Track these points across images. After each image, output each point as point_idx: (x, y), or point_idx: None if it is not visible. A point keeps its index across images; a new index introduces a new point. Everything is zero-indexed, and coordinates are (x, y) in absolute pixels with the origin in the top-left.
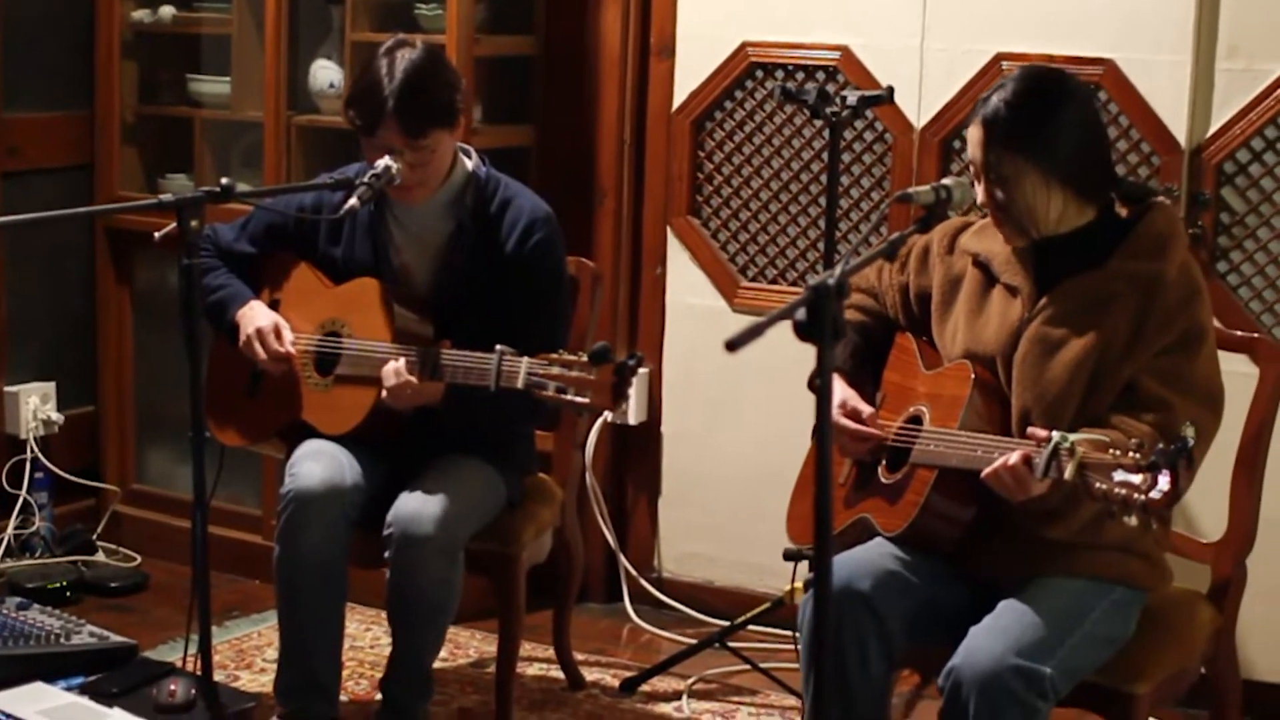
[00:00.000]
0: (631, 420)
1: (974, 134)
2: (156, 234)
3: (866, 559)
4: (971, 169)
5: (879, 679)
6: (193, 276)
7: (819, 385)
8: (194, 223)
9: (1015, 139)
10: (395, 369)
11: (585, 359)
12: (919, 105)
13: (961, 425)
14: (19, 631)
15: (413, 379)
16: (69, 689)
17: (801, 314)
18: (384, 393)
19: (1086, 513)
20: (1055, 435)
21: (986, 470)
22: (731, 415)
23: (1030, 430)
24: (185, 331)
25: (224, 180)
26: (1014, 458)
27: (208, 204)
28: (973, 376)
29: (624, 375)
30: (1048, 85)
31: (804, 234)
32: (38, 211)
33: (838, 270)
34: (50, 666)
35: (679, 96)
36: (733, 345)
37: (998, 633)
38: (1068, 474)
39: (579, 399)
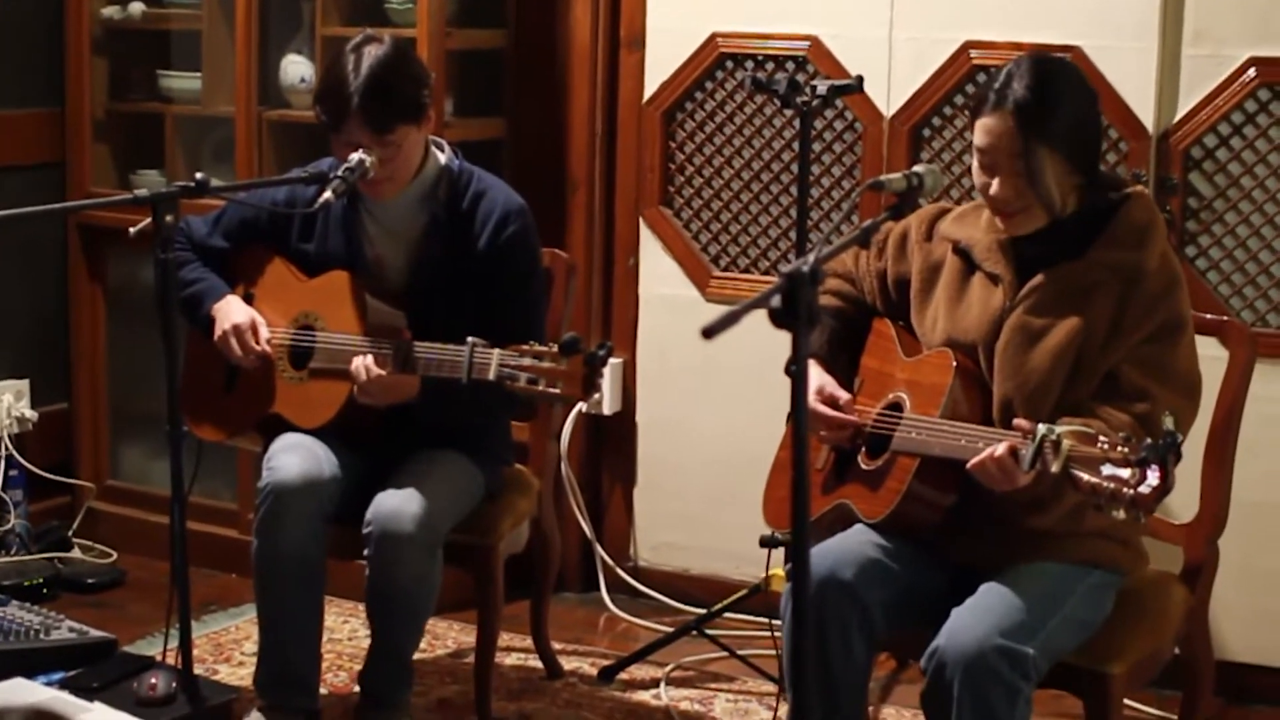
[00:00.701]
0: (606, 410)
1: (996, 124)
2: (131, 229)
3: (848, 548)
4: (979, 159)
5: (861, 666)
6: (168, 271)
7: (794, 371)
8: (169, 217)
9: (1046, 129)
10: (364, 364)
11: (556, 350)
12: (888, 94)
13: (943, 413)
14: None
15: (382, 373)
16: (49, 684)
17: (776, 301)
18: (355, 389)
19: (1069, 502)
20: (1041, 428)
21: (973, 461)
22: (706, 404)
23: (1016, 421)
24: (162, 325)
25: (198, 175)
26: (1000, 449)
27: (182, 199)
28: (954, 364)
29: (594, 366)
30: (1061, 74)
31: (775, 223)
32: (8, 209)
33: (812, 257)
34: (30, 662)
35: (649, 88)
36: (709, 332)
37: (981, 613)
38: (1054, 468)
39: (550, 390)
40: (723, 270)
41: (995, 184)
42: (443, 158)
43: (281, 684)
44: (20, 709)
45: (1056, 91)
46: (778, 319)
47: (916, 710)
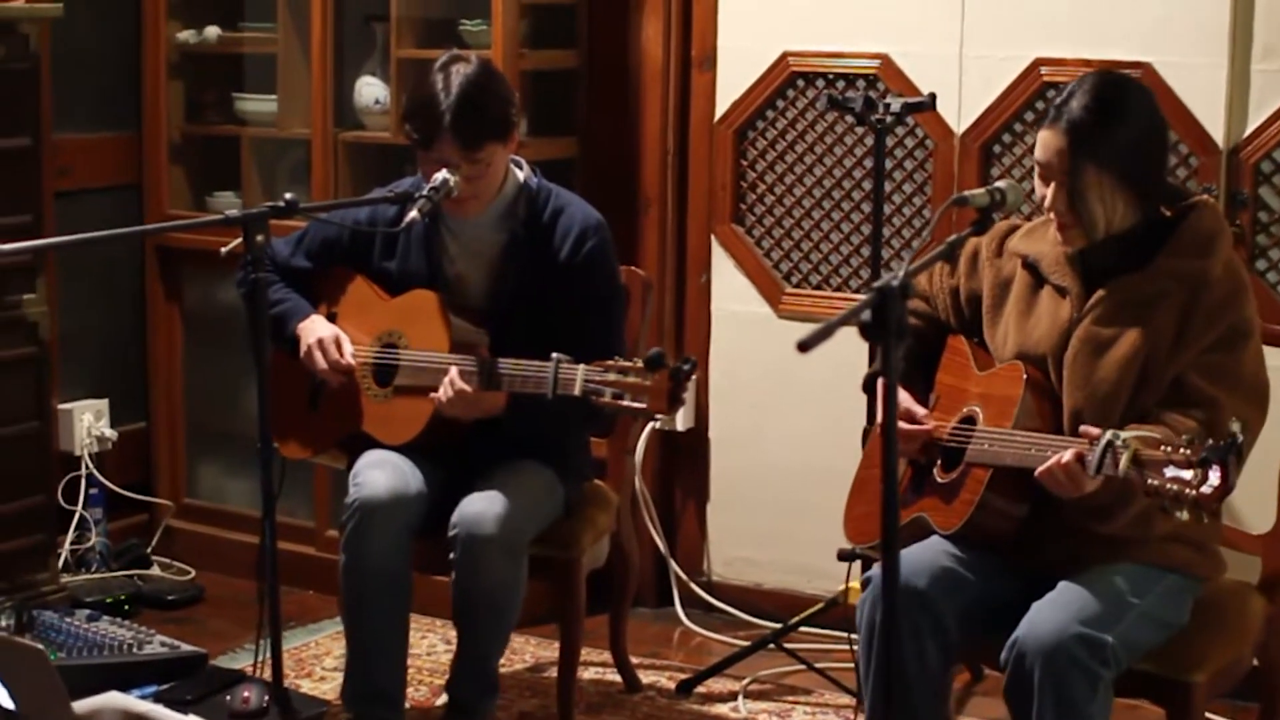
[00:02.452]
0: (679, 426)
1: (1051, 140)
2: (222, 249)
3: (922, 557)
4: (1038, 170)
5: (936, 675)
6: (259, 290)
7: (885, 385)
8: (259, 237)
9: (1098, 150)
10: (450, 379)
11: (641, 365)
12: (959, 111)
13: (1015, 424)
14: (92, 642)
15: (468, 388)
16: (143, 697)
17: (867, 315)
18: (441, 402)
19: (1137, 508)
20: (1107, 433)
21: (1040, 468)
22: (777, 419)
23: (1083, 429)
24: (253, 344)
25: (288, 195)
26: (1067, 455)
27: (271, 219)
28: (1024, 376)
29: (679, 380)
30: (1124, 94)
31: (847, 240)
32: (87, 231)
33: (901, 272)
34: (124, 675)
35: (721, 107)
36: (804, 346)
37: (1060, 606)
38: (1120, 470)
39: (635, 404)
40: (794, 287)
41: (1049, 195)
42: (521, 175)
43: (367, 697)
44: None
45: (1116, 112)
46: (868, 333)
47: None
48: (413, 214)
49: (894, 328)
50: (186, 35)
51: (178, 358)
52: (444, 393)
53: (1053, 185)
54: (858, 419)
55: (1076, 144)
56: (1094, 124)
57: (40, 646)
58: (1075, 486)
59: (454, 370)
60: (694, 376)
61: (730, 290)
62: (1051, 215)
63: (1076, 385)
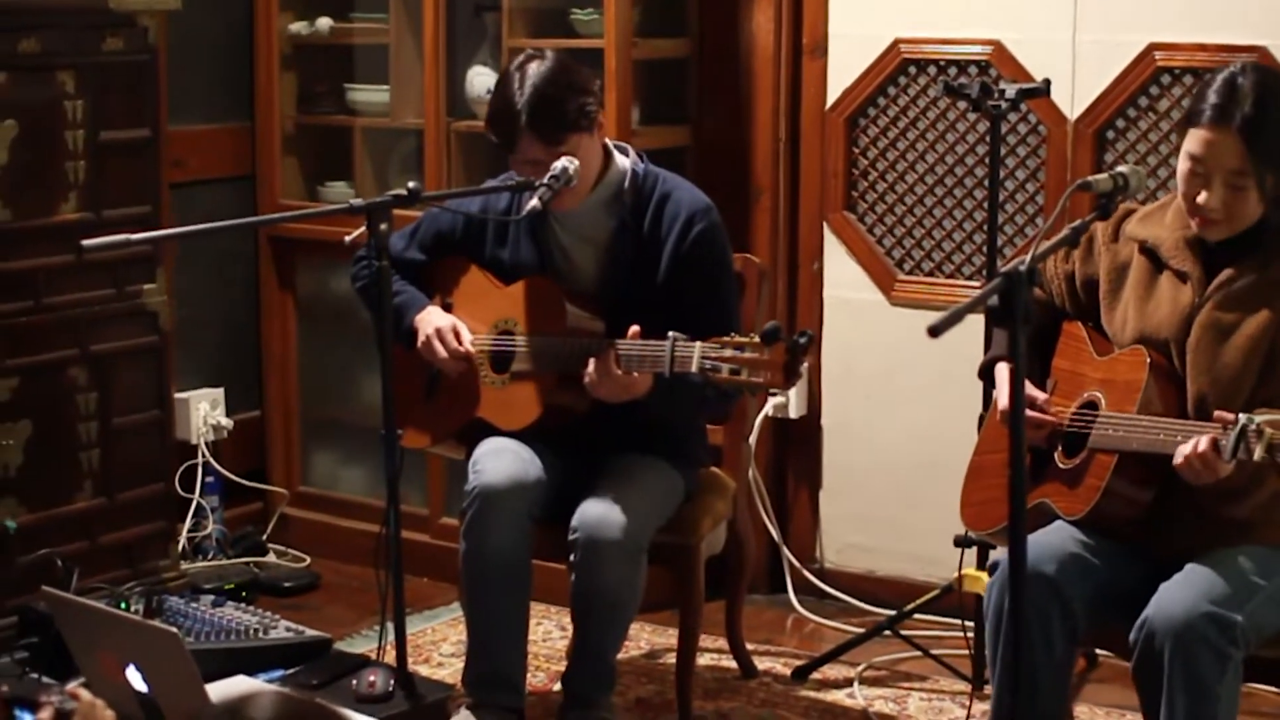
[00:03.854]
0: (792, 414)
1: (1216, 139)
2: (346, 237)
3: (1049, 542)
4: (1191, 165)
5: (1062, 659)
6: (383, 278)
7: (1012, 370)
8: (383, 226)
9: (1274, 153)
10: (597, 365)
11: (757, 339)
12: (1072, 97)
13: (1139, 410)
14: (220, 627)
15: (616, 370)
16: (269, 681)
17: (994, 300)
18: (590, 388)
19: (1267, 490)
20: (1242, 418)
21: (1178, 459)
22: (890, 407)
23: (1218, 414)
24: (376, 331)
25: (410, 184)
26: (1203, 443)
27: (394, 208)
28: (1149, 361)
29: (796, 353)
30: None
31: (959, 226)
32: (202, 222)
33: (1028, 257)
34: (251, 660)
35: (832, 94)
36: (935, 330)
37: (1189, 586)
38: (1256, 455)
39: (754, 379)
40: (907, 274)
41: (1205, 195)
42: (626, 162)
43: (489, 682)
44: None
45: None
46: (995, 317)
47: (1109, 708)
48: (534, 202)
49: (1021, 312)
50: (299, 27)
51: (291, 347)
52: (594, 378)
53: (1216, 185)
54: (971, 406)
55: (1252, 145)
56: (1267, 125)
57: (174, 630)
58: (1210, 473)
59: (609, 354)
60: (809, 351)
61: (843, 278)
62: (1180, 199)
63: (1200, 370)
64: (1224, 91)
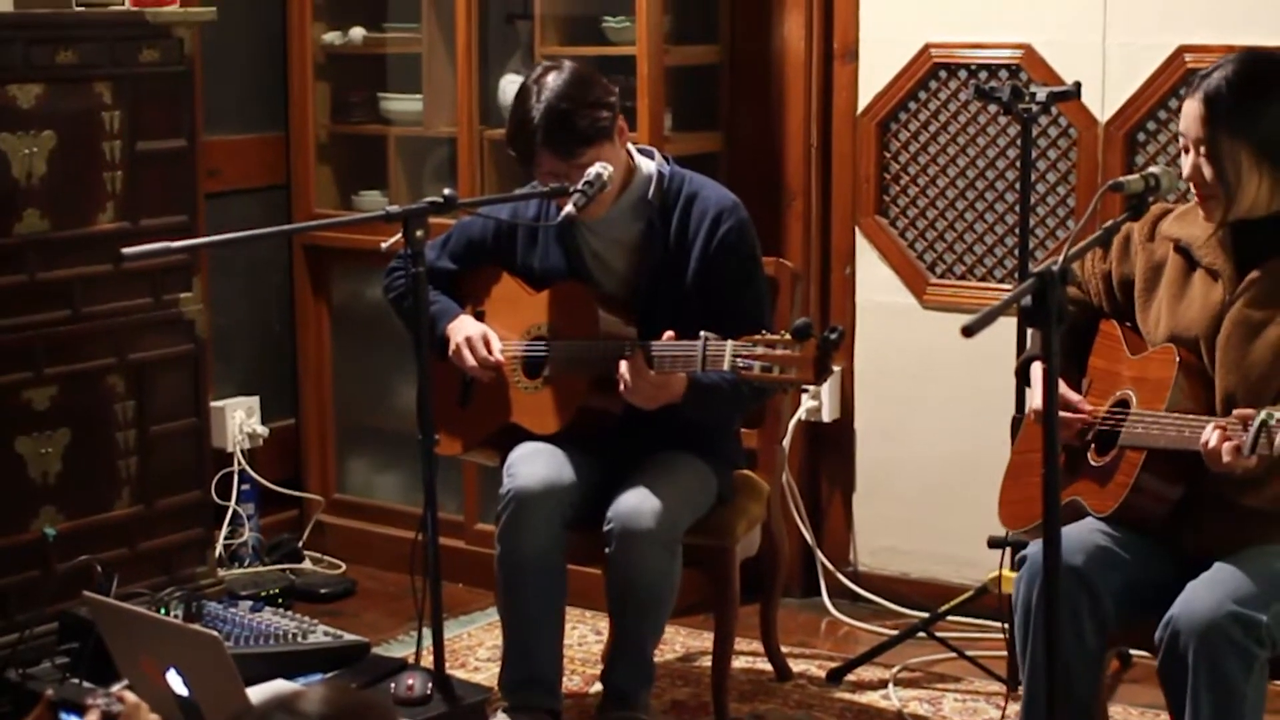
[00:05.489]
0: (825, 417)
1: (1192, 109)
2: (382, 244)
3: (1078, 536)
4: (1181, 140)
5: (1094, 654)
6: (419, 284)
7: (1045, 369)
8: (419, 233)
9: (1234, 119)
10: (630, 367)
11: (788, 336)
12: (1102, 99)
13: (1168, 407)
14: (259, 631)
15: (652, 373)
16: (310, 685)
17: (1028, 300)
18: (625, 392)
19: None
20: (1261, 413)
21: (1201, 447)
22: (923, 410)
23: (1237, 411)
24: (413, 336)
25: (446, 191)
26: (1213, 439)
27: (430, 215)
28: (1178, 359)
29: (828, 348)
30: (1270, 70)
31: (991, 230)
32: (236, 230)
33: (1061, 257)
34: (290, 664)
35: (864, 99)
36: (969, 330)
37: (1214, 585)
38: (1275, 449)
39: (786, 376)
40: (939, 277)
41: (1187, 164)
42: (652, 165)
43: (526, 685)
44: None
45: (1259, 86)
46: (1029, 317)
47: (1143, 709)
48: (568, 208)
49: (1055, 312)
50: (332, 37)
51: (326, 355)
52: (628, 380)
53: (1190, 154)
54: (1004, 408)
55: (1212, 112)
56: (1231, 94)
57: (216, 634)
58: (1226, 466)
59: (638, 357)
60: (834, 369)
61: (875, 281)
62: (1193, 188)
63: (1229, 368)
64: (1210, 68)
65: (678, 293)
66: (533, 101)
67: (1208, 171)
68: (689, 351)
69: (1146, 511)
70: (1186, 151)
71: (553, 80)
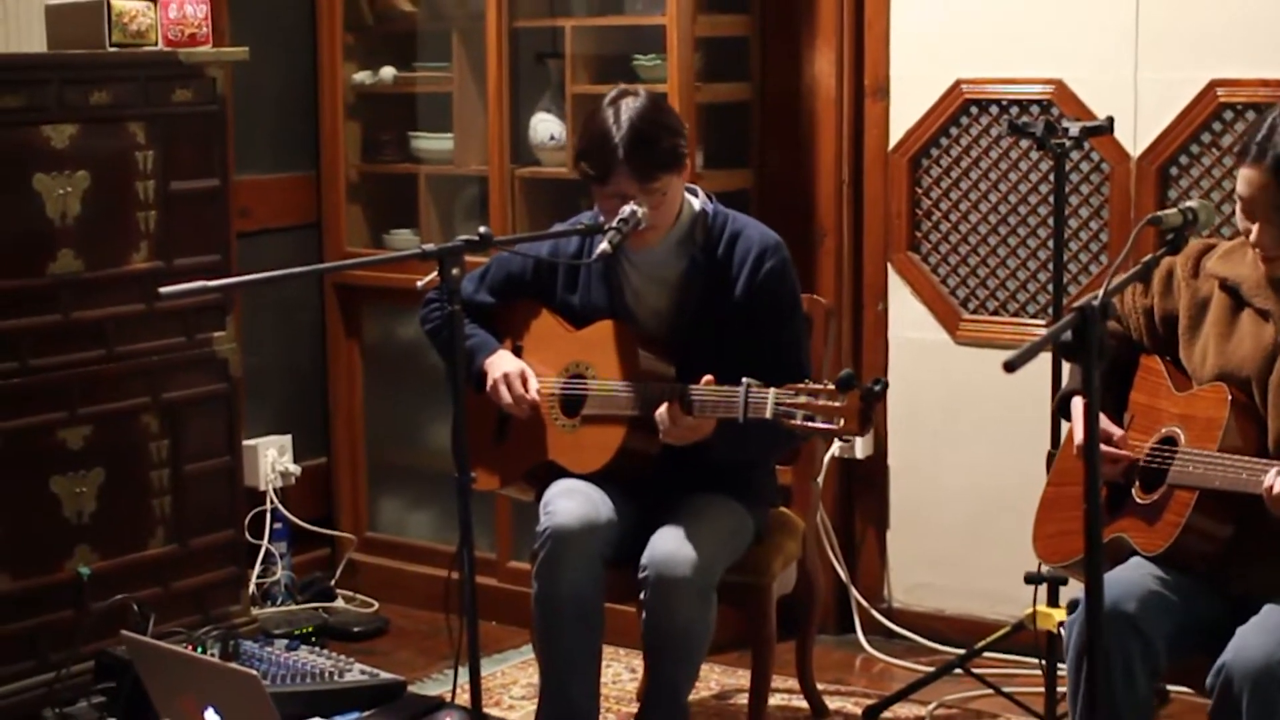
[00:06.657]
0: (859, 454)
1: (1255, 178)
2: (419, 282)
3: (1130, 579)
4: (1241, 204)
5: (1144, 697)
6: (455, 322)
7: (1086, 405)
8: (454, 270)
9: None
10: (670, 410)
11: (832, 387)
12: (1134, 134)
13: (1221, 447)
14: (296, 670)
15: (689, 417)
16: None
17: (1068, 335)
18: (663, 434)
19: None
20: None
21: (1265, 490)
22: (956, 446)
23: None
24: (449, 374)
25: (481, 229)
26: (1277, 484)
27: (466, 253)
28: (1230, 399)
29: (871, 400)
30: None
31: (1023, 265)
32: (268, 270)
33: (1101, 291)
34: (327, 702)
35: (895, 135)
36: (1011, 366)
37: (1266, 630)
38: None
39: (828, 425)
40: (971, 313)
41: (1255, 230)
42: (697, 203)
43: None
44: None
45: None
46: (1070, 352)
47: None
48: (604, 246)
49: (1095, 347)
50: (363, 76)
51: (358, 393)
52: (664, 424)
53: (1261, 222)
54: (1038, 444)
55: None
56: None
57: (254, 673)
58: None
59: (676, 401)
60: (882, 398)
61: (908, 318)
62: (1258, 251)
63: None
64: (1265, 131)
65: (717, 331)
66: (613, 120)
67: (1277, 235)
68: (730, 398)
69: (1196, 551)
70: (1249, 217)
71: (635, 103)
